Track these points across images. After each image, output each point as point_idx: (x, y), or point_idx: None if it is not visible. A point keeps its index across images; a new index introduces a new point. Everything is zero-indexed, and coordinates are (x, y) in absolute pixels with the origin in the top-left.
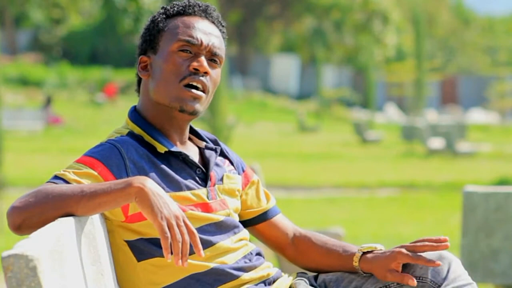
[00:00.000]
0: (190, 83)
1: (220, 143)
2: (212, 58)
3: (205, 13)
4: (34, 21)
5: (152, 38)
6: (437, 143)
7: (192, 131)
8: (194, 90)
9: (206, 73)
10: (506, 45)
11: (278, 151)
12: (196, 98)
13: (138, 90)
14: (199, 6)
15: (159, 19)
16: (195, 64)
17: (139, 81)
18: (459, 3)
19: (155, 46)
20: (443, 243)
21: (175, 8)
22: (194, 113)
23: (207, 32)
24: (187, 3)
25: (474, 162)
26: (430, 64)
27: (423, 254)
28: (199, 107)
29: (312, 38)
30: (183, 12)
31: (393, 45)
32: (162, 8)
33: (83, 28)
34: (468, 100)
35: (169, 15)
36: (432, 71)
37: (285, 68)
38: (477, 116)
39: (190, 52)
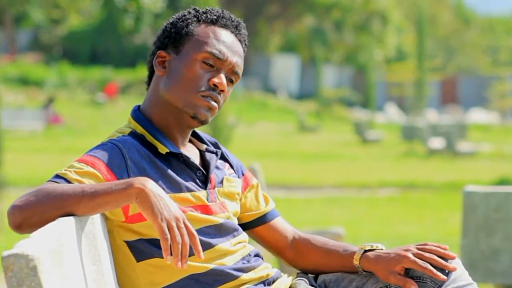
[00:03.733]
0: (207, 96)
1: (221, 146)
2: (231, 77)
3: (236, 29)
4: (34, 21)
5: (177, 37)
6: (437, 143)
7: (193, 134)
8: (210, 101)
9: (222, 90)
10: (506, 45)
11: (278, 151)
12: (211, 109)
13: (149, 83)
14: (232, 21)
15: (190, 20)
16: (215, 80)
17: (151, 74)
18: (460, 3)
19: (178, 46)
20: (451, 266)
21: (208, 16)
22: (204, 122)
23: (233, 50)
24: (221, 13)
25: (474, 162)
26: (431, 64)
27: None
28: (210, 117)
29: (312, 38)
30: (216, 21)
31: (393, 45)
32: (194, 9)
33: (83, 28)
34: (468, 100)
35: (200, 20)
36: (432, 71)
37: (285, 68)
38: (477, 116)
39: (212, 66)
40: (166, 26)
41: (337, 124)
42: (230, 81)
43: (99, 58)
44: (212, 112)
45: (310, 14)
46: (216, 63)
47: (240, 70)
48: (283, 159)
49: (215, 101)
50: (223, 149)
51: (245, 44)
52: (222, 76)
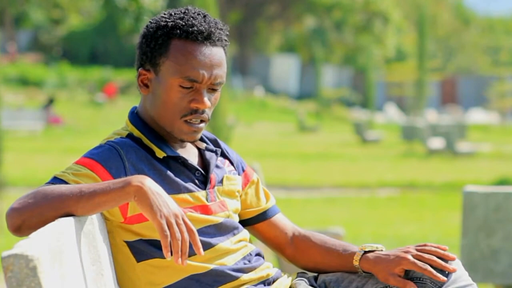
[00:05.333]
0: (191, 119)
1: (220, 142)
2: (214, 87)
3: (208, 38)
4: (34, 21)
5: (152, 57)
6: (437, 143)
7: None
8: (195, 124)
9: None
10: (506, 45)
11: (278, 151)
12: (196, 131)
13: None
14: (202, 33)
15: (161, 40)
16: (196, 104)
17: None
18: (459, 3)
19: (155, 66)
20: (451, 267)
21: (178, 31)
22: (194, 142)
23: (210, 64)
24: (190, 29)
25: (474, 162)
26: (431, 64)
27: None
28: (199, 135)
29: (312, 38)
30: (186, 37)
31: (393, 45)
32: (165, 22)
33: (83, 28)
34: (468, 100)
35: (170, 37)
36: (432, 71)
37: (285, 68)
38: (477, 116)
39: (191, 87)
40: (140, 44)
41: (337, 124)
42: (214, 90)
43: (99, 58)
44: (199, 132)
45: (310, 14)
46: (194, 85)
47: (222, 78)
48: (282, 159)
49: (201, 120)
50: (223, 145)
51: (225, 40)
52: (204, 97)
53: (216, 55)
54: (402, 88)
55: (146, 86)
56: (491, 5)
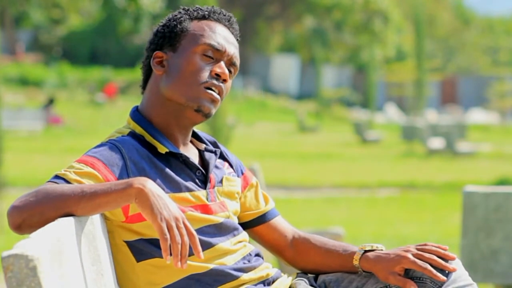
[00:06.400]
0: (211, 87)
1: (220, 145)
2: (230, 67)
3: (228, 22)
4: (34, 21)
5: (172, 36)
6: (437, 143)
7: (192, 133)
8: (213, 93)
9: (225, 80)
10: (506, 45)
11: (278, 151)
12: (214, 101)
13: (144, 87)
14: (224, 14)
15: (182, 18)
16: (217, 69)
17: (146, 77)
18: (459, 3)
19: (175, 44)
20: (451, 266)
21: (200, 12)
22: (208, 115)
23: (229, 41)
24: (212, 9)
25: (474, 162)
26: (430, 64)
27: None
28: (214, 110)
29: (312, 38)
30: (208, 16)
31: (393, 45)
32: (184, 9)
33: (83, 28)
34: (468, 100)
35: (192, 18)
36: (432, 71)
37: (285, 68)
38: (477, 116)
39: (212, 58)
40: (158, 29)
41: (337, 124)
42: (230, 72)
43: (99, 59)
44: (215, 104)
45: (310, 14)
46: (215, 55)
47: (237, 61)
48: (282, 159)
49: (218, 92)
50: (222, 148)
51: (237, 39)
52: (223, 65)
53: (234, 39)
54: (402, 88)
55: (161, 66)
56: (490, 5)
